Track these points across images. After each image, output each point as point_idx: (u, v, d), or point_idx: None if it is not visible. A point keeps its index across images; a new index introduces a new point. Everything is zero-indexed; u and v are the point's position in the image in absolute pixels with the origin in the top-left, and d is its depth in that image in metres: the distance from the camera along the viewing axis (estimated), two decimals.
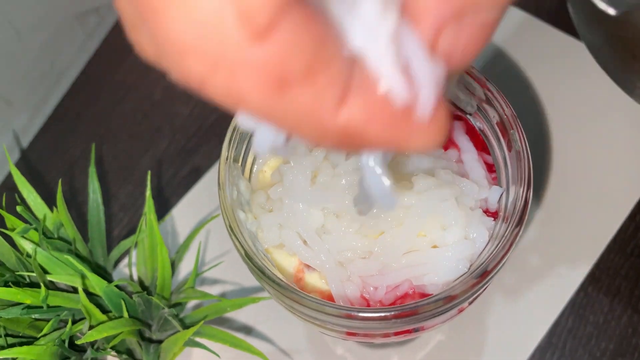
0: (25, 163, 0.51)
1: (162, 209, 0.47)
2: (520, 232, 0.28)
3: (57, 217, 0.39)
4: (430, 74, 0.15)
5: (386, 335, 0.30)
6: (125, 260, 0.45)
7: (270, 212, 0.31)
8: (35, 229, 0.38)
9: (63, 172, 0.50)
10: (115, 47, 0.55)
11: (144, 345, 0.38)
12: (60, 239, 0.39)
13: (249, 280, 0.43)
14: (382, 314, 0.26)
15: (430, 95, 0.15)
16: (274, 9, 0.12)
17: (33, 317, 0.36)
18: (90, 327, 0.36)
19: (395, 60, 0.14)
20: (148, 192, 0.39)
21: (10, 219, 0.38)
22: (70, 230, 0.39)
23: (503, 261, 0.27)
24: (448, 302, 0.27)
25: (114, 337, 0.36)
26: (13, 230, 0.37)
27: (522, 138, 0.30)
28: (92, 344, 0.37)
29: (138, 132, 0.51)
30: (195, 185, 0.48)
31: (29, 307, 0.35)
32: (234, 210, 0.30)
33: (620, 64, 0.40)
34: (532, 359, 0.40)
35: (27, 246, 0.37)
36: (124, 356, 0.38)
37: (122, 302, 0.36)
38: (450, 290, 0.27)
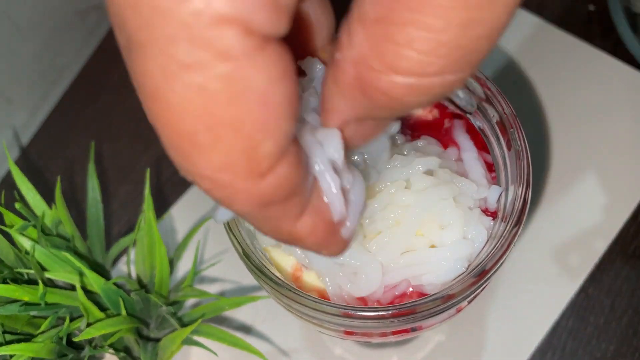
0: (25, 160, 0.51)
1: (161, 207, 0.47)
2: (519, 232, 0.28)
3: (55, 215, 0.39)
4: (358, 206, 0.20)
5: (384, 335, 0.30)
6: (124, 258, 0.45)
7: None
8: (34, 226, 0.38)
9: (62, 170, 0.50)
10: (116, 45, 0.55)
11: (142, 343, 0.38)
12: (59, 236, 0.39)
13: (248, 279, 0.43)
14: (380, 313, 0.26)
15: (355, 220, 0.20)
16: (275, 159, 0.16)
17: (31, 314, 0.36)
18: (88, 325, 0.36)
19: (338, 186, 0.19)
20: (147, 190, 0.39)
21: (9, 216, 0.38)
22: (69, 228, 0.39)
23: (501, 261, 0.27)
24: (446, 301, 0.27)
25: (112, 334, 0.36)
26: (12, 227, 0.37)
27: (521, 137, 0.30)
28: (90, 341, 0.37)
29: (138, 130, 0.51)
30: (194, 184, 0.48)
31: (27, 304, 0.35)
32: None
33: None
34: None
35: (26, 243, 0.37)
36: (122, 354, 0.38)
37: (120, 300, 0.36)
38: (448, 290, 0.27)
